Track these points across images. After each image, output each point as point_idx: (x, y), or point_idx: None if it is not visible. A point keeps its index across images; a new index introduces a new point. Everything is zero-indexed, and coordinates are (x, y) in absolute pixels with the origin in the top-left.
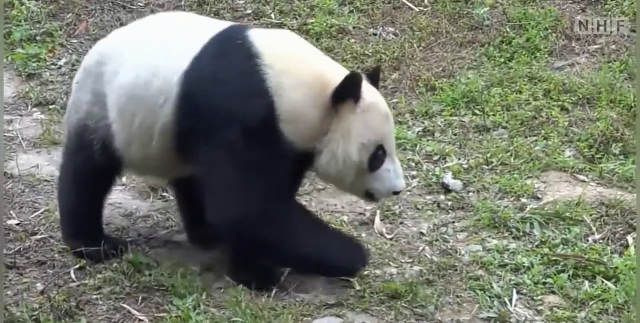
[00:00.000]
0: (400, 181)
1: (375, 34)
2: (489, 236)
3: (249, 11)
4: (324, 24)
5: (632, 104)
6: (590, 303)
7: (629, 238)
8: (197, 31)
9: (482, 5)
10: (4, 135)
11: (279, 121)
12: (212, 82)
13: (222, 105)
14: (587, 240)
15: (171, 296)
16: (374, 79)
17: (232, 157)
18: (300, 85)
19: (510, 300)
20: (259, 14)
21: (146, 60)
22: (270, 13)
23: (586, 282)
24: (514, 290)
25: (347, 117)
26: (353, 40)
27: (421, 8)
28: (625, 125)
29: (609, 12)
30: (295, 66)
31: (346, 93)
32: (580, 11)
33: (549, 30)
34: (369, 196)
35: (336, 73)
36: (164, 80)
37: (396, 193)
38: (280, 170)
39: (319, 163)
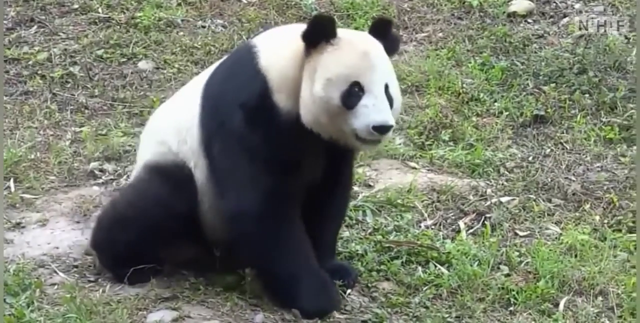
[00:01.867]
0: (380, 115)
1: (204, 27)
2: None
3: (75, 6)
4: (152, 18)
5: (460, 91)
6: (424, 289)
7: (461, 224)
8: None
9: None
10: None
11: (272, 93)
12: (221, 81)
13: (227, 96)
14: (420, 227)
15: (4, 294)
16: (380, 30)
17: (239, 144)
18: (284, 52)
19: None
20: (86, 8)
21: (189, 89)
22: (98, 7)
23: (419, 268)
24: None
25: (317, 57)
26: (182, 33)
27: (249, 0)
28: (454, 112)
29: (436, 0)
30: (282, 39)
31: (313, 35)
32: (407, 0)
33: None
34: (357, 137)
35: None
36: (193, 98)
37: (378, 130)
38: (285, 149)
39: (300, 112)
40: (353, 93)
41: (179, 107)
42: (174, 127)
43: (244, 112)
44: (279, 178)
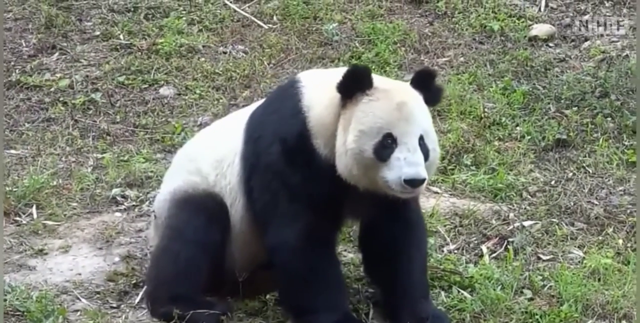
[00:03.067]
0: (411, 169)
1: (225, 53)
2: (345, 250)
3: (97, 33)
4: (174, 44)
5: (482, 115)
6: (448, 314)
7: (483, 248)
8: None
9: (330, 21)
10: None
11: (311, 136)
12: (264, 113)
13: (268, 128)
14: (442, 251)
15: (27, 321)
16: (423, 82)
17: (279, 181)
18: (324, 98)
19: (367, 314)
20: (107, 35)
21: (232, 120)
22: (119, 34)
23: (442, 293)
24: (371, 303)
25: (352, 108)
26: (203, 59)
27: (270, 25)
28: (476, 136)
29: (457, 25)
30: (324, 82)
31: (348, 87)
32: (428, 25)
33: (398, 44)
34: (390, 189)
35: None
36: (235, 132)
37: (410, 183)
38: (324, 191)
39: (336, 162)
40: (386, 145)
41: (219, 139)
42: (213, 158)
43: (282, 147)
44: (317, 218)
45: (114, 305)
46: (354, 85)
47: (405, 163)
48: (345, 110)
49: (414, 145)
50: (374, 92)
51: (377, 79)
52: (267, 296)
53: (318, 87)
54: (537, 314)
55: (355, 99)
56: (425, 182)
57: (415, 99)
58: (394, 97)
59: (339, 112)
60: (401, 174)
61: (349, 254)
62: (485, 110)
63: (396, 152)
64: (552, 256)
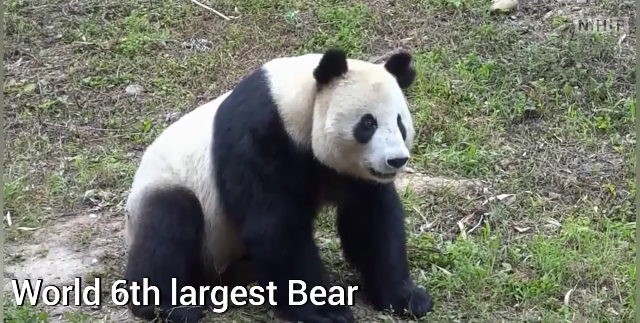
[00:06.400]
0: (394, 149)
1: (189, 47)
2: (322, 236)
3: (59, 36)
4: (137, 42)
5: (450, 92)
6: (429, 292)
7: (460, 224)
8: None
9: (292, 8)
10: None
11: (284, 124)
12: (232, 106)
13: (238, 119)
14: (419, 230)
15: None
16: (398, 65)
17: (252, 172)
18: (296, 85)
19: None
20: (70, 37)
21: (200, 115)
22: (82, 36)
23: (422, 272)
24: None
25: (328, 93)
26: (167, 55)
27: (232, 17)
28: (445, 114)
29: (419, 4)
30: (294, 70)
31: (325, 72)
32: (389, 5)
33: (361, 27)
34: (372, 172)
35: None
36: (204, 126)
37: (394, 163)
38: (299, 180)
39: (313, 148)
40: (366, 126)
41: (189, 134)
42: (183, 154)
43: (254, 138)
44: (294, 206)
45: (96, 307)
46: (331, 70)
47: (388, 143)
48: (321, 95)
49: (394, 126)
50: (350, 76)
51: (351, 63)
52: (248, 287)
53: (287, 76)
54: (518, 287)
55: (331, 83)
56: (407, 161)
57: (390, 81)
58: (370, 79)
59: (314, 98)
60: (385, 155)
61: (326, 240)
62: (453, 87)
63: (377, 133)
64: (529, 228)
